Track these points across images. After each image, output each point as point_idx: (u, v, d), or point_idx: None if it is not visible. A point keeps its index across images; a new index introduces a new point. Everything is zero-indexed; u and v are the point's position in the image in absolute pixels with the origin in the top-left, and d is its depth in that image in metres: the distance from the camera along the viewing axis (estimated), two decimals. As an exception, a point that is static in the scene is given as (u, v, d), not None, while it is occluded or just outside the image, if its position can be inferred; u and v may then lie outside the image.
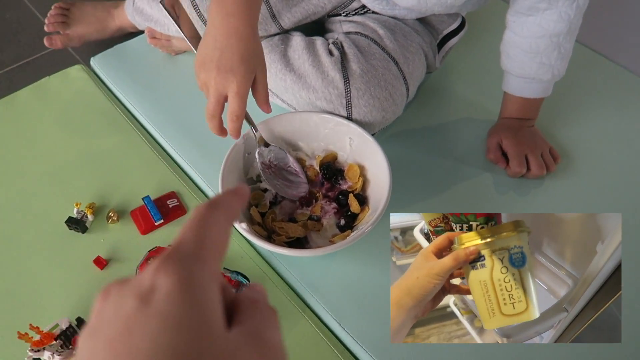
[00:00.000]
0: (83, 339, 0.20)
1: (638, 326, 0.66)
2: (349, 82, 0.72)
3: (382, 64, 0.74)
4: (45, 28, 1.00)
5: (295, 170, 0.73)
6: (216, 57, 0.58)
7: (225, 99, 0.59)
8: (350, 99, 0.72)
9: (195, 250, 0.21)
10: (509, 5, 0.73)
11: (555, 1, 0.68)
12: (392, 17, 0.82)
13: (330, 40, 0.79)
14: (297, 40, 0.79)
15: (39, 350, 0.57)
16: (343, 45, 0.76)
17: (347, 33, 0.81)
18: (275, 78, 0.78)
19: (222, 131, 0.62)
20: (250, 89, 0.61)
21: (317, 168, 0.74)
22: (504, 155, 0.80)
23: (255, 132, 0.70)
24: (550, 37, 0.71)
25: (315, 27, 0.87)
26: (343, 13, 0.84)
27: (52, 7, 1.01)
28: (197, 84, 0.62)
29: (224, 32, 0.59)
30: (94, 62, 0.97)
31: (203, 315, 0.19)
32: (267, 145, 0.71)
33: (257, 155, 0.71)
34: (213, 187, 0.78)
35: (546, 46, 0.72)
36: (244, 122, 0.64)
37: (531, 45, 0.72)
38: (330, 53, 0.76)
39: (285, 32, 0.83)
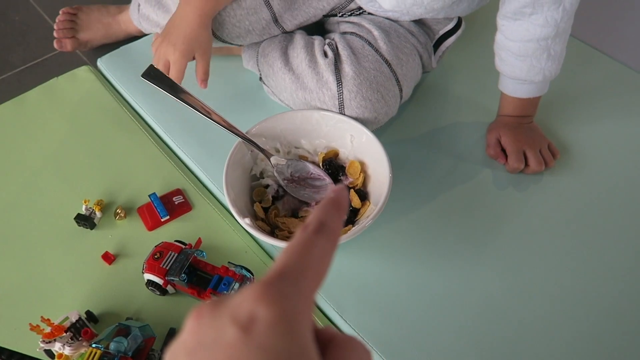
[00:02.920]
0: (177, 356, 0.19)
1: (638, 326, 0.66)
2: (341, 84, 0.74)
3: (374, 66, 0.75)
4: (55, 34, 1.02)
5: (319, 175, 0.74)
6: (168, 32, 0.77)
7: (168, 63, 0.76)
8: (342, 100, 0.74)
9: (297, 280, 0.20)
10: (499, 7, 0.74)
11: (540, 7, 0.68)
12: (386, 19, 0.83)
13: (327, 41, 0.80)
14: (298, 39, 0.81)
15: (50, 342, 0.59)
16: (338, 46, 0.78)
17: (343, 33, 0.82)
18: (276, 77, 0.80)
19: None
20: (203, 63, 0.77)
21: (320, 164, 0.76)
22: (503, 151, 0.81)
23: (269, 158, 0.73)
24: (538, 41, 0.72)
25: (316, 27, 0.88)
26: (339, 14, 0.85)
27: (60, 13, 1.03)
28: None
29: (179, 15, 0.77)
30: (100, 63, 0.99)
31: (305, 353, 0.19)
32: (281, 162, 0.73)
33: (276, 174, 0.73)
34: (217, 184, 0.80)
35: (535, 49, 0.73)
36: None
37: (520, 49, 0.73)
38: (325, 54, 0.77)
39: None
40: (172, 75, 0.76)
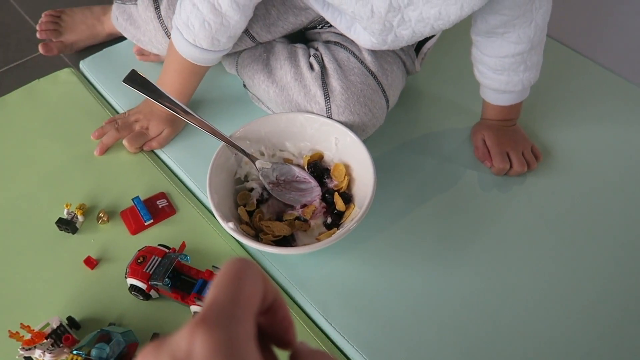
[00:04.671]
0: None
1: (638, 325, 0.67)
2: (329, 99, 0.74)
3: (360, 79, 0.75)
4: (38, 35, 1.00)
5: (304, 178, 0.74)
6: (152, 111, 0.84)
7: (139, 128, 0.84)
8: (330, 115, 0.74)
9: (230, 310, 0.21)
10: (471, 24, 0.74)
11: (512, 26, 0.69)
12: None
13: (312, 52, 0.80)
14: (280, 48, 0.80)
15: (30, 349, 0.58)
16: (323, 58, 0.78)
17: (327, 42, 0.82)
18: (258, 89, 0.80)
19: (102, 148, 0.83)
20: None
21: (305, 167, 0.76)
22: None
23: (254, 162, 0.72)
24: (514, 56, 0.72)
25: (297, 35, 0.87)
26: (319, 26, 0.85)
27: (43, 15, 1.01)
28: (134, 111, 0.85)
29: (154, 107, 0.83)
30: (83, 65, 0.98)
31: None
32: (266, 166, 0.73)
33: (261, 178, 0.72)
34: (202, 187, 0.79)
35: (511, 64, 0.73)
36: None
37: (496, 64, 0.74)
38: (311, 66, 0.77)
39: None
40: (153, 144, 0.84)
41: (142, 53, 0.96)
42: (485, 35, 0.72)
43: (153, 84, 0.71)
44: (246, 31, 0.80)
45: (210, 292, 0.22)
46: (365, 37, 0.72)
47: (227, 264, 0.23)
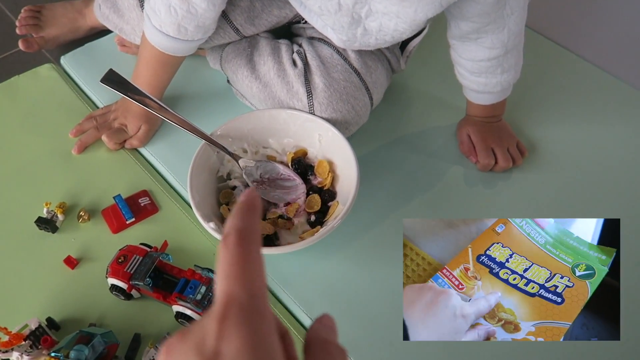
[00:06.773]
0: None
1: (637, 325, 0.67)
2: (312, 96, 0.73)
3: (344, 77, 0.75)
4: (17, 30, 0.98)
5: (289, 175, 0.73)
6: (128, 108, 0.82)
7: (120, 125, 0.83)
8: (313, 112, 0.73)
9: (249, 303, 0.20)
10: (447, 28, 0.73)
11: (484, 32, 0.69)
12: None
13: (295, 48, 0.79)
14: (263, 44, 0.79)
15: (7, 351, 0.57)
16: (306, 55, 0.77)
17: (311, 38, 0.81)
18: (242, 84, 0.79)
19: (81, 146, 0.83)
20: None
21: (289, 164, 0.75)
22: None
23: (237, 160, 0.72)
24: (489, 60, 0.72)
25: (282, 30, 0.86)
26: (303, 21, 0.84)
27: (23, 10, 1.00)
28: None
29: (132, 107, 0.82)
30: (64, 60, 0.96)
31: None
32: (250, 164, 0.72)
33: (245, 177, 0.71)
34: (184, 185, 0.77)
35: (487, 67, 0.73)
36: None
37: (473, 67, 0.74)
38: (294, 63, 0.76)
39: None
40: (133, 142, 0.83)
41: (123, 44, 0.94)
42: (459, 39, 0.72)
43: (131, 83, 0.69)
44: (230, 23, 0.79)
45: (222, 284, 0.21)
46: (335, 36, 0.71)
47: (225, 244, 0.21)
